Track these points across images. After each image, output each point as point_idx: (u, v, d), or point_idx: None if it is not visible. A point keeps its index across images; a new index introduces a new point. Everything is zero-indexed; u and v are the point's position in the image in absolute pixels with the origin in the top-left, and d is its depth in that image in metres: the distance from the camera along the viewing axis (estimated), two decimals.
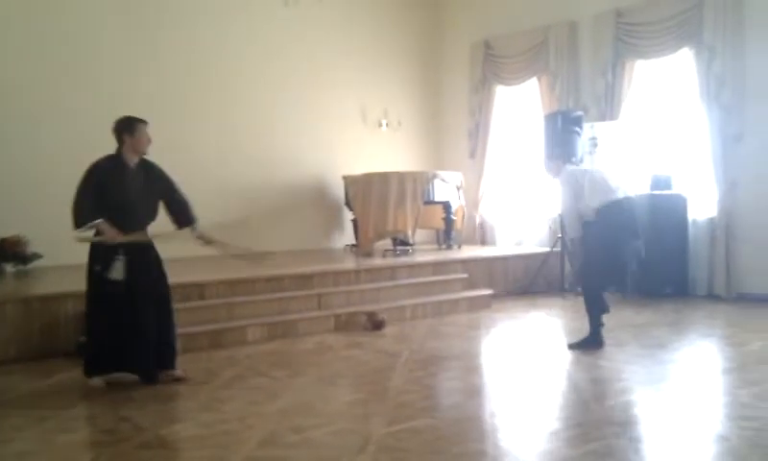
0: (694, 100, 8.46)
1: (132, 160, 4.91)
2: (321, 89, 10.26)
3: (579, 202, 5.83)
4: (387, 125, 11.06)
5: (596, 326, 5.76)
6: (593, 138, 8.98)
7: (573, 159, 8.63)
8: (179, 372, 4.95)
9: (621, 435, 3.67)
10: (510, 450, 3.55)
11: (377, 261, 8.28)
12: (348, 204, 9.86)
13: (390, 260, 8.38)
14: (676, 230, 8.40)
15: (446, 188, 9.49)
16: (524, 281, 8.99)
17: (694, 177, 8.60)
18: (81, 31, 8.39)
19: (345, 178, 9.87)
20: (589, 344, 5.73)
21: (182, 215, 5.18)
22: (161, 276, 5.05)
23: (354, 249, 9.60)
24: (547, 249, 9.25)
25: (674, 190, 8.47)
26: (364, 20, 10.87)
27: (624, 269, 5.87)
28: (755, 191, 8.03)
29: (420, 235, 9.67)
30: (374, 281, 7.59)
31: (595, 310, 5.77)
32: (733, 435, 3.63)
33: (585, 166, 5.99)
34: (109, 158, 4.89)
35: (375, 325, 6.68)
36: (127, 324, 4.76)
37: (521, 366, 5.46)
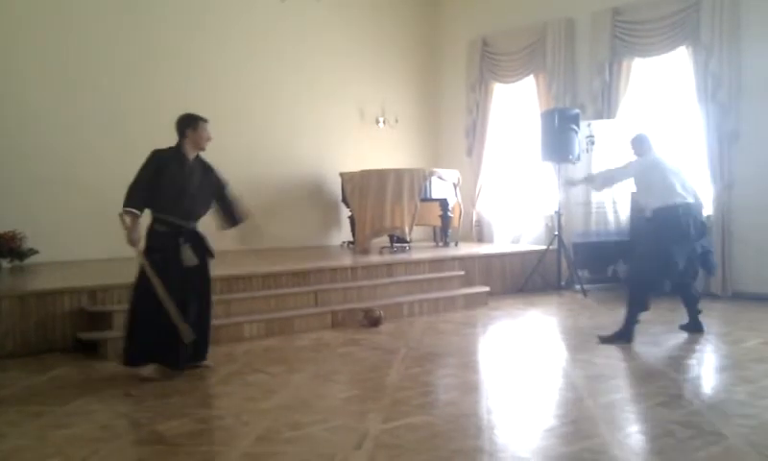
0: (691, 98, 8.47)
1: (191, 154, 5.07)
2: (318, 86, 10.25)
3: (641, 195, 6.08)
4: (384, 122, 11.05)
5: (631, 321, 5.88)
6: (590, 136, 9.00)
7: (570, 157, 8.69)
8: (207, 361, 5.14)
9: (616, 432, 3.68)
10: (506, 447, 3.56)
11: (374, 258, 8.29)
12: (345, 201, 9.86)
13: (387, 257, 8.38)
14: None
15: (444, 186, 9.49)
16: (521, 279, 9.00)
17: (691, 175, 8.59)
18: (83, 32, 8.40)
19: (342, 175, 9.87)
20: (620, 337, 5.86)
21: (231, 215, 5.27)
22: (206, 266, 5.13)
23: (351, 246, 9.60)
24: (544, 246, 9.25)
25: None
26: (362, 17, 10.86)
27: (670, 273, 5.93)
28: (751, 190, 8.05)
29: (416, 232, 9.68)
30: (371, 278, 7.59)
31: (635, 306, 5.88)
32: (730, 433, 3.64)
33: (660, 158, 6.10)
34: (170, 149, 5.06)
35: (372, 321, 6.69)
36: (169, 314, 4.84)
37: (518, 363, 5.47)
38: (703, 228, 6.08)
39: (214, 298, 6.36)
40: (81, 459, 3.40)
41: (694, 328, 6.17)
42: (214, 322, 6.09)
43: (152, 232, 4.95)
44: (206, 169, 5.16)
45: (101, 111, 8.47)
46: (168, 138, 9.12)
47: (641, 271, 5.96)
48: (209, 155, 9.19)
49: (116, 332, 5.67)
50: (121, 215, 4.83)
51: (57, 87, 8.21)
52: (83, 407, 4.27)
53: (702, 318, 6.22)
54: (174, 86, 8.98)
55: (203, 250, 5.06)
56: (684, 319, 6.26)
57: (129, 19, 8.73)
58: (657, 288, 6.09)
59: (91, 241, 8.20)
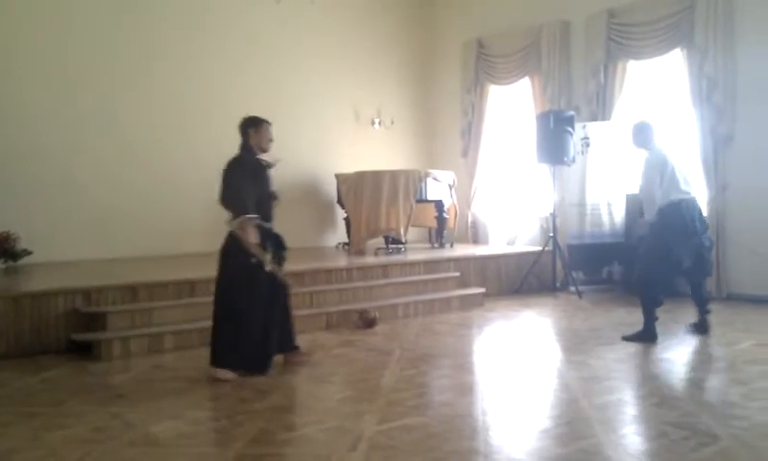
0: (685, 101, 8.49)
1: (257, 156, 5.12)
2: (314, 88, 10.25)
3: (647, 190, 6.00)
4: (380, 123, 11.05)
5: (650, 319, 5.91)
6: (585, 138, 9.01)
7: (565, 159, 8.70)
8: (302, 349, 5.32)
9: (611, 433, 3.69)
10: (501, 448, 3.56)
11: (369, 259, 8.28)
12: (340, 202, 9.86)
13: (382, 259, 8.38)
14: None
15: (439, 187, 9.49)
16: (516, 280, 9.01)
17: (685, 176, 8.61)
18: (80, 32, 8.41)
19: (337, 176, 9.87)
20: (643, 337, 5.90)
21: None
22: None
23: (346, 247, 9.60)
24: (539, 248, 9.26)
25: None
26: (357, 18, 10.85)
27: (677, 269, 5.98)
28: (745, 192, 8.07)
29: (412, 234, 9.67)
30: (367, 280, 7.59)
31: (649, 304, 5.92)
32: (723, 434, 3.65)
33: (664, 151, 6.09)
34: (245, 153, 5.06)
35: (367, 323, 6.68)
36: (264, 322, 4.93)
37: (513, 364, 5.47)
38: (705, 221, 6.13)
39: (209, 298, 6.37)
40: (75, 460, 3.39)
41: (701, 329, 6.16)
42: (210, 323, 6.11)
43: (238, 237, 4.90)
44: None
45: (97, 112, 8.46)
46: (164, 138, 9.17)
47: (647, 269, 5.97)
48: (209, 157, 9.23)
49: (110, 333, 5.69)
50: (243, 223, 4.83)
51: (54, 88, 8.21)
52: (76, 408, 4.26)
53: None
54: (170, 88, 9.00)
55: (282, 249, 5.13)
56: (692, 318, 6.28)
57: (126, 21, 8.74)
58: (665, 285, 6.13)
59: (86, 242, 8.20)
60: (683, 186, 5.93)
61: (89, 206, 8.33)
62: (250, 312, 4.88)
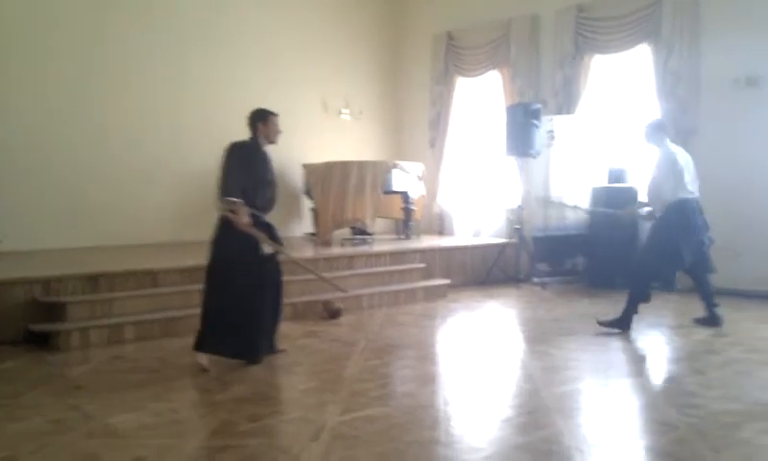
0: (650, 95, 8.61)
1: (264, 147, 5.15)
2: (282, 77, 10.16)
3: (658, 187, 6.09)
4: (348, 114, 11.02)
5: (629, 310, 6.00)
6: (551, 131, 9.09)
7: (531, 152, 8.77)
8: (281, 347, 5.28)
9: (570, 422, 3.74)
10: (462, 437, 3.58)
11: (336, 250, 8.27)
12: (307, 192, 9.81)
13: (348, 249, 8.37)
14: (629, 223, 8.54)
15: (406, 178, 9.50)
16: (482, 272, 9.06)
17: (648, 170, 8.73)
18: (53, 25, 8.23)
19: (304, 166, 9.81)
20: (617, 324, 6.00)
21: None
22: (276, 256, 5.17)
23: (313, 237, 9.56)
24: (505, 240, 9.33)
25: (628, 183, 8.63)
26: (327, 8, 10.78)
27: (679, 265, 6.07)
28: (706, 186, 8.12)
29: (379, 225, 9.68)
30: (332, 270, 7.57)
31: (637, 296, 6.01)
32: (680, 422, 3.72)
33: (674, 149, 6.22)
34: (250, 141, 5.11)
35: (332, 313, 6.67)
36: (254, 308, 4.90)
37: (476, 355, 5.51)
38: (706, 220, 6.26)
39: (171, 289, 6.34)
40: (30, 453, 3.32)
41: (712, 322, 6.21)
42: (172, 314, 6.07)
43: (228, 220, 4.86)
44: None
45: (65, 100, 8.30)
46: (133, 127, 9.01)
47: (647, 263, 6.09)
48: (173, 144, 9.16)
49: (69, 324, 5.59)
50: (224, 204, 4.82)
51: (22, 75, 8.01)
52: (34, 400, 4.18)
53: (657, 310, 6.31)
54: (142, 77, 8.89)
55: (273, 239, 5.10)
56: (699, 312, 6.36)
57: (100, 10, 8.58)
58: (665, 279, 6.25)
59: (50, 231, 8.04)
60: (689, 186, 6.09)
61: (54, 194, 8.16)
62: (240, 298, 4.82)
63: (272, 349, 5.18)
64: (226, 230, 4.88)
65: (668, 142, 6.25)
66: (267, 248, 4.96)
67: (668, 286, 6.42)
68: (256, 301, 4.93)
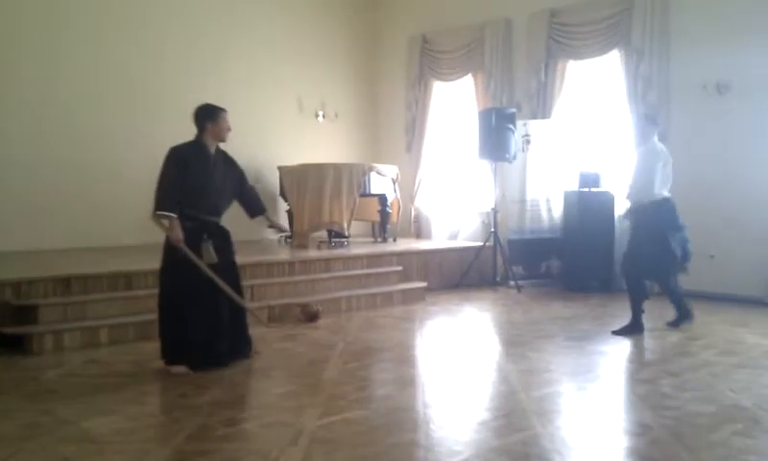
0: (622, 100, 8.72)
1: (212, 147, 4.96)
2: (257, 79, 10.12)
3: (642, 183, 6.10)
4: (324, 116, 11.00)
5: (637, 312, 6.06)
6: (526, 136, 9.16)
7: (507, 156, 8.83)
8: (255, 350, 5.21)
9: (547, 425, 3.77)
10: (441, 440, 3.58)
11: (312, 253, 8.24)
12: (283, 195, 9.76)
13: (325, 252, 8.34)
14: (603, 227, 8.66)
15: (382, 181, 9.50)
16: (458, 275, 9.10)
17: (621, 175, 8.85)
18: (20, 16, 8.07)
19: (280, 168, 9.77)
20: (631, 330, 6.05)
21: (255, 204, 5.28)
22: (234, 261, 5.11)
23: (289, 240, 9.52)
24: (480, 243, 9.38)
25: (602, 188, 8.73)
26: (301, 8, 10.76)
27: (669, 262, 6.09)
28: (677, 190, 8.22)
29: (355, 228, 9.67)
30: (309, 273, 7.55)
31: (637, 297, 6.07)
32: (655, 424, 3.77)
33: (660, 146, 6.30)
34: (190, 144, 4.93)
35: (309, 317, 6.65)
36: (209, 310, 4.81)
37: (453, 357, 5.53)
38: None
39: (146, 291, 6.26)
40: (3, 459, 3.26)
41: (687, 318, 6.29)
42: (147, 317, 5.98)
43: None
44: (229, 161, 5.10)
45: (34, 96, 8.18)
46: (104, 126, 8.89)
47: (635, 262, 6.11)
48: (145, 144, 9.04)
49: (42, 327, 5.50)
50: (155, 218, 4.72)
51: None
52: (5, 405, 4.10)
53: (631, 313, 6.31)
54: (114, 74, 8.78)
55: (228, 243, 5.02)
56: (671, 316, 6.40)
57: (72, 4, 8.51)
58: (656, 278, 6.29)
59: (17, 232, 7.90)
60: (669, 184, 6.22)
61: (25, 195, 8.03)
62: (191, 302, 4.78)
63: (242, 352, 5.08)
64: (165, 247, 4.84)
65: (657, 140, 6.31)
66: (209, 259, 4.82)
67: (663, 283, 6.36)
68: (209, 305, 4.83)
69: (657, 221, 6.05)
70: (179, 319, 4.77)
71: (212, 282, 4.82)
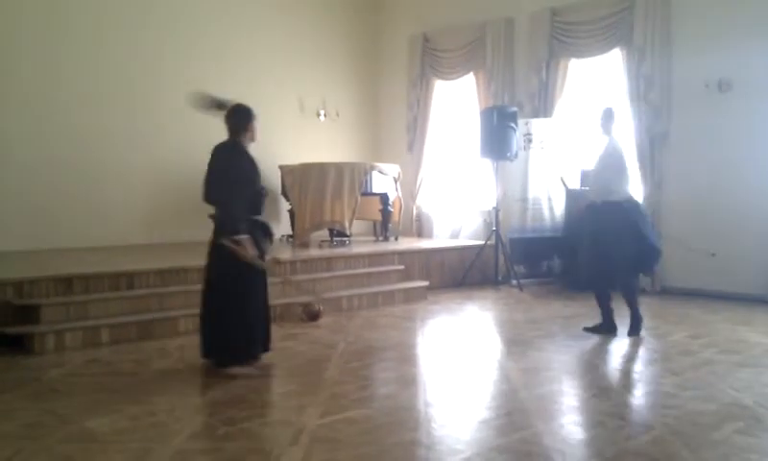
0: (623, 99, 8.70)
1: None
2: (259, 78, 10.10)
3: (613, 180, 5.93)
4: (325, 115, 10.99)
5: (606, 312, 5.99)
6: (528, 134, 9.15)
7: (508, 155, 8.82)
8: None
9: (549, 423, 3.76)
10: (443, 439, 3.59)
11: (314, 252, 8.24)
12: (284, 194, 9.76)
13: (326, 251, 8.34)
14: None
15: (384, 180, 9.50)
16: (459, 273, 9.10)
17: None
18: (20, 14, 8.07)
19: (281, 167, 9.76)
20: (603, 329, 5.99)
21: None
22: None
23: (290, 239, 9.52)
24: (482, 242, 9.37)
25: None
26: (303, 10, 10.76)
27: (652, 256, 6.01)
28: (679, 189, 8.35)
29: (357, 227, 9.67)
30: (311, 272, 7.55)
31: (602, 298, 6.00)
32: (656, 422, 3.77)
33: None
34: (236, 147, 4.83)
35: (311, 316, 6.65)
36: (258, 307, 4.83)
37: (455, 356, 5.53)
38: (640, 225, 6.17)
39: (147, 291, 6.28)
40: (5, 458, 3.26)
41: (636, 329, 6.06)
42: (149, 316, 6.01)
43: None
44: None
45: (34, 95, 8.17)
46: (106, 125, 8.87)
47: (595, 263, 5.98)
48: (147, 144, 9.02)
49: (44, 327, 5.50)
50: (228, 241, 4.61)
51: None
52: (8, 405, 4.11)
53: (641, 313, 6.22)
54: (115, 74, 8.79)
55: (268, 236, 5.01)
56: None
57: (72, 3, 8.50)
58: (627, 276, 6.07)
59: (19, 232, 7.91)
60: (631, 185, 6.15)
61: (24, 194, 8.04)
62: (255, 303, 4.78)
63: (266, 347, 5.06)
64: (222, 255, 4.68)
65: (614, 135, 6.15)
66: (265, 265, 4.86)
67: (628, 287, 6.09)
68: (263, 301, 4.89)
69: (631, 218, 5.87)
70: (246, 322, 4.73)
71: (264, 278, 4.86)
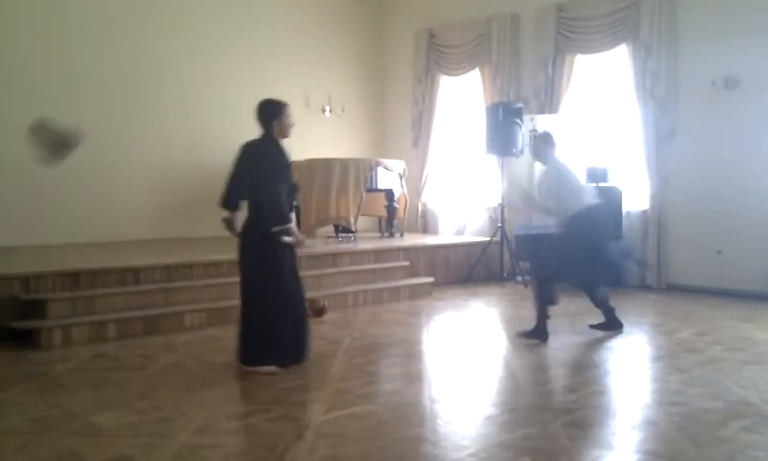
0: (630, 96, 8.68)
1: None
2: (264, 74, 10.11)
3: (560, 200, 5.72)
4: (330, 111, 10.99)
5: (542, 317, 5.71)
6: (533, 130, 9.12)
7: (514, 151, 8.81)
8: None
9: (554, 420, 3.76)
10: (448, 435, 3.59)
11: (319, 248, 8.24)
12: None
13: (332, 247, 8.35)
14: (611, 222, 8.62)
15: (389, 176, 9.49)
16: (465, 270, 9.09)
17: (629, 170, 8.84)
18: (24, 9, 8.07)
19: None
20: (534, 335, 5.72)
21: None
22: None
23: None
24: (487, 238, 9.37)
25: (610, 183, 8.69)
26: (307, 3, 10.75)
27: (603, 272, 5.85)
28: (685, 186, 8.32)
29: (362, 223, 9.66)
30: (316, 268, 7.55)
31: (542, 302, 5.73)
32: (662, 420, 3.76)
33: (563, 160, 5.95)
34: (268, 143, 4.77)
35: (316, 311, 6.65)
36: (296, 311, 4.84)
37: (460, 353, 5.53)
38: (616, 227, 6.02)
39: (154, 286, 6.30)
40: (12, 452, 3.28)
41: (613, 326, 5.98)
42: (155, 311, 6.03)
43: (264, 231, 4.66)
44: None
45: (38, 88, 8.18)
46: (111, 119, 8.88)
47: (546, 266, 5.78)
48: (152, 139, 9.02)
49: (51, 321, 5.53)
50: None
51: None
52: (14, 398, 4.13)
53: (638, 309, 6.29)
54: (118, 68, 8.79)
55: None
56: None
57: (76, 8, 8.52)
58: (561, 281, 5.91)
59: (24, 227, 7.93)
60: (588, 191, 5.97)
61: (29, 189, 8.06)
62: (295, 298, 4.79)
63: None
64: (265, 240, 4.64)
65: (557, 156, 5.93)
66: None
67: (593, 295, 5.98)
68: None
69: (588, 230, 5.63)
70: (287, 320, 4.73)
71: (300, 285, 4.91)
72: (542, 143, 5.96)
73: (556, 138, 5.98)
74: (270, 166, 4.66)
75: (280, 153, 4.80)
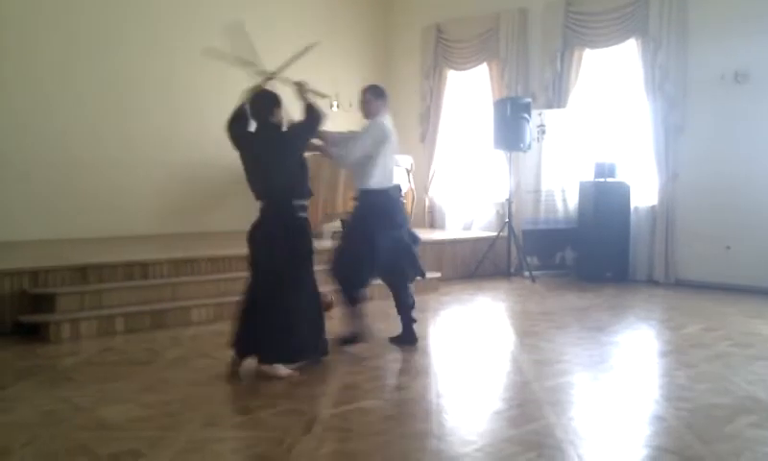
0: (639, 90, 8.64)
1: None
2: (272, 68, 10.10)
3: (364, 167, 5.25)
4: (338, 106, 10.98)
5: (358, 318, 5.22)
6: (541, 125, 9.11)
7: (522, 146, 8.79)
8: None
9: (561, 415, 3.76)
10: (454, 430, 3.59)
11: (326, 243, 8.23)
12: None
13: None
14: (618, 217, 8.62)
15: (397, 171, 9.45)
16: (472, 265, 9.08)
17: (637, 165, 8.80)
18: (26, 8, 8.09)
19: None
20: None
21: None
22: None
23: None
24: (495, 233, 9.35)
25: (618, 178, 8.67)
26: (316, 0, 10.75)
27: (374, 263, 5.14)
28: (694, 181, 8.28)
29: None
30: (323, 263, 7.53)
31: (353, 301, 5.21)
32: (669, 415, 3.75)
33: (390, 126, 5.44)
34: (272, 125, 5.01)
35: (324, 306, 6.63)
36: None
37: (467, 347, 5.53)
38: (406, 214, 5.42)
39: (161, 281, 6.32)
40: (20, 445, 3.30)
41: (406, 340, 5.38)
42: (162, 306, 6.05)
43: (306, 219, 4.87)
44: None
45: (44, 85, 8.22)
46: (117, 114, 8.89)
47: (346, 261, 5.18)
48: (159, 132, 9.02)
49: (59, 315, 5.56)
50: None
51: (7, 66, 7.91)
52: (23, 392, 4.16)
53: (645, 304, 6.26)
54: (129, 70, 8.82)
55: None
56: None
57: (85, 4, 8.54)
58: (364, 280, 5.26)
59: (33, 221, 7.97)
60: (395, 171, 5.42)
61: (37, 184, 8.10)
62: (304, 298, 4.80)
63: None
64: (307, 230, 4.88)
65: (386, 119, 5.41)
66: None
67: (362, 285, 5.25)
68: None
69: (365, 217, 5.11)
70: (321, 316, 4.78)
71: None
72: (376, 97, 5.49)
73: (387, 96, 5.44)
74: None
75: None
